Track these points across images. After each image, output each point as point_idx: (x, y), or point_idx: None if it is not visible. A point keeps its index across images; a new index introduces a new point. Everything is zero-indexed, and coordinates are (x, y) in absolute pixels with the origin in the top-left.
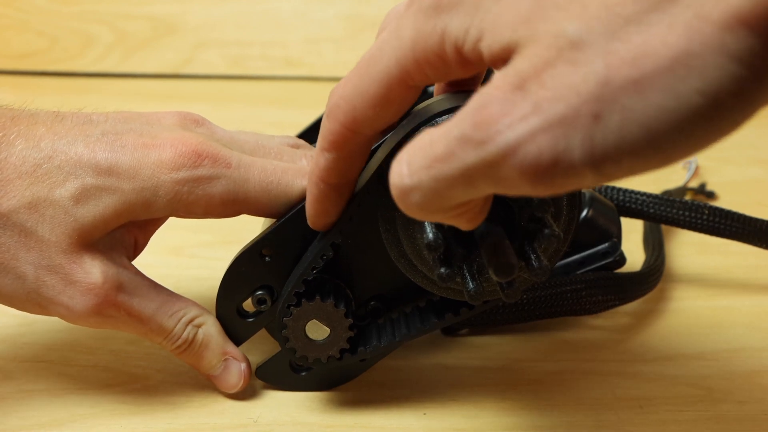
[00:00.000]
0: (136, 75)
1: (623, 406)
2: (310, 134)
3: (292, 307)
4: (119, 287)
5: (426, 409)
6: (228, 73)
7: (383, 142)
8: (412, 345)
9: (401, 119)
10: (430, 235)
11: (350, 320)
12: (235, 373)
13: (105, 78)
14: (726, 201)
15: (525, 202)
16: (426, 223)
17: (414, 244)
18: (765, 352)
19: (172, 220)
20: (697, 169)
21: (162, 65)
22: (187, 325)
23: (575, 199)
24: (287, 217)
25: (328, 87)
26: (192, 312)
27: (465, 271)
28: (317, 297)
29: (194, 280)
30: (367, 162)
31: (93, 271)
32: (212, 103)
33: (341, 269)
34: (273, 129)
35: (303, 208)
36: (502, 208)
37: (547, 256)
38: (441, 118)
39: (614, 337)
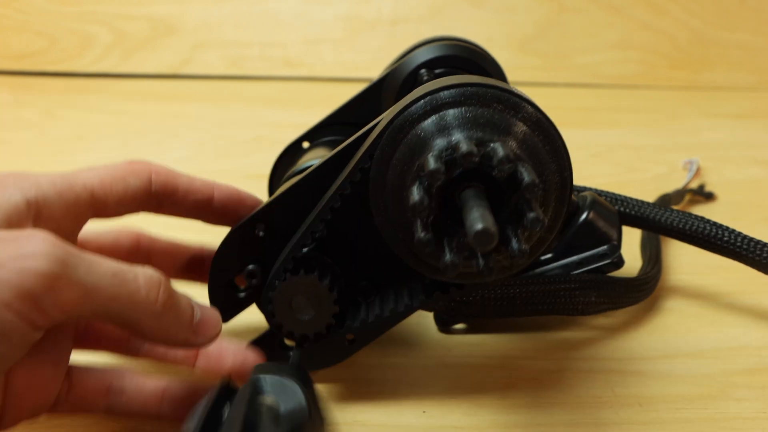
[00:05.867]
0: (135, 75)
1: (623, 404)
2: (313, 134)
3: (277, 282)
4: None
5: (425, 407)
6: (227, 74)
7: (382, 118)
8: (411, 343)
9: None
10: (416, 197)
11: (335, 295)
12: (211, 309)
13: (104, 78)
14: (725, 201)
15: (516, 185)
16: (416, 186)
17: (400, 207)
18: (764, 350)
19: (172, 219)
20: (698, 170)
21: (161, 66)
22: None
23: (564, 196)
24: (281, 193)
25: (328, 87)
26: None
27: (445, 243)
28: (301, 271)
29: None
30: (364, 138)
31: None
32: (211, 104)
33: (333, 248)
34: (272, 129)
35: (296, 185)
36: (492, 190)
37: (530, 243)
38: (443, 93)
39: (614, 335)
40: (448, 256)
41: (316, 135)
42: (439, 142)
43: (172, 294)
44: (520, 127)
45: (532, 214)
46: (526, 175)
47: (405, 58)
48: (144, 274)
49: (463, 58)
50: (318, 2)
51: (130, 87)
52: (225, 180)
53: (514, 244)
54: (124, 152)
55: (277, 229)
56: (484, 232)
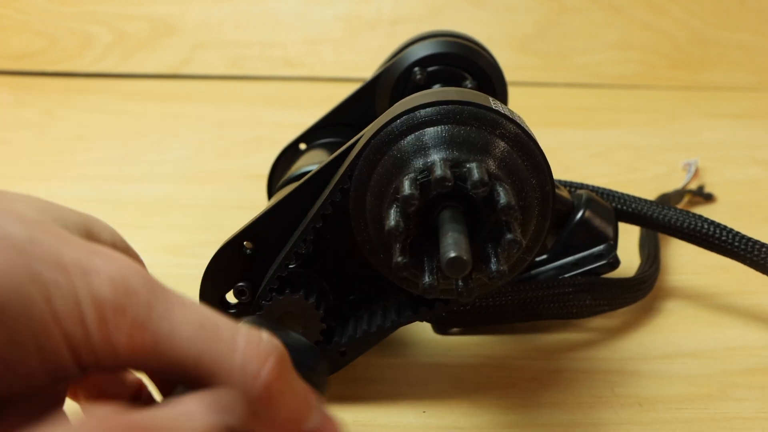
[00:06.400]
0: (135, 75)
1: (623, 404)
2: (309, 135)
3: (264, 303)
4: None
5: (426, 407)
6: (227, 74)
7: (363, 135)
8: (411, 343)
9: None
10: (392, 222)
11: (321, 312)
12: (334, 423)
13: (104, 78)
14: (725, 201)
15: (493, 206)
16: (392, 210)
17: (379, 229)
18: (763, 350)
19: (172, 219)
20: (696, 171)
21: (161, 66)
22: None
23: (546, 210)
24: (265, 211)
25: (327, 87)
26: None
27: (425, 264)
28: (287, 290)
29: (195, 279)
30: (347, 154)
31: None
32: (211, 104)
33: (320, 263)
34: (272, 129)
35: (280, 203)
36: (472, 207)
37: (510, 262)
38: (421, 111)
39: (613, 335)
40: (426, 279)
41: (312, 136)
42: (416, 164)
43: (287, 376)
44: (499, 145)
45: (509, 236)
46: (503, 197)
47: (398, 56)
48: (248, 335)
49: (457, 55)
50: (318, 2)
51: (130, 87)
52: (225, 180)
53: (493, 264)
54: (124, 152)
55: (265, 246)
56: (456, 260)
